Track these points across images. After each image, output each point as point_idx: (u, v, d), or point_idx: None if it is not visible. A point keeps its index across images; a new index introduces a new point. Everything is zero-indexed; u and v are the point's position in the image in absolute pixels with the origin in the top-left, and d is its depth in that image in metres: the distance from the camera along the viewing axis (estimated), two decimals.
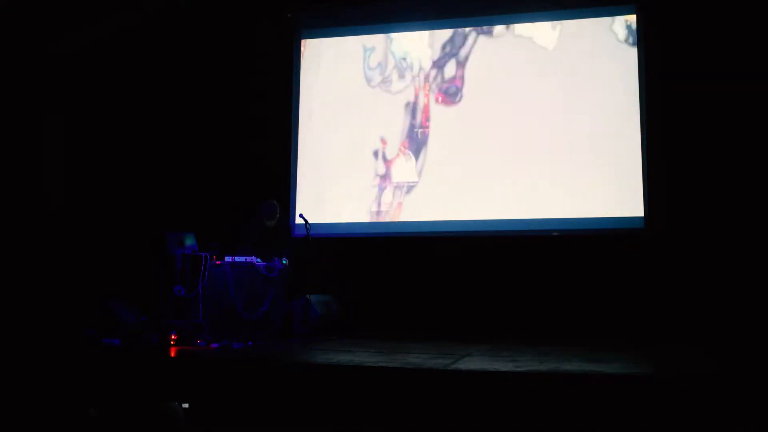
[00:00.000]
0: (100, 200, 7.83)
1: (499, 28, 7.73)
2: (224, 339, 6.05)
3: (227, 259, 6.42)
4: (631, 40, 7.29)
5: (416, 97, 7.88)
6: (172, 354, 5.44)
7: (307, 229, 6.88)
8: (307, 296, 6.72)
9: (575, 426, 3.92)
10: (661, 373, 4.37)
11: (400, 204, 7.80)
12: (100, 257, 7.51)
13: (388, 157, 7.89)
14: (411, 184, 7.77)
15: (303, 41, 8.33)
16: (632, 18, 7.32)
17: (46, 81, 7.53)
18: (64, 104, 7.73)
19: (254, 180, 7.80)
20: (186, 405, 3.70)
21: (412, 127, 7.85)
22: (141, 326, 6.37)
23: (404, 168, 7.83)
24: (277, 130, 8.15)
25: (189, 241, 6.54)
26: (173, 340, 5.98)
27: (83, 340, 5.99)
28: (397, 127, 7.89)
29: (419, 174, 7.76)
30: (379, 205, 7.85)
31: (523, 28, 7.65)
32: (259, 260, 6.43)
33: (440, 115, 7.79)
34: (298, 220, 7.12)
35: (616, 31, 7.36)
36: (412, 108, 7.87)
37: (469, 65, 7.77)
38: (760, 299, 6.37)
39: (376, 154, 7.92)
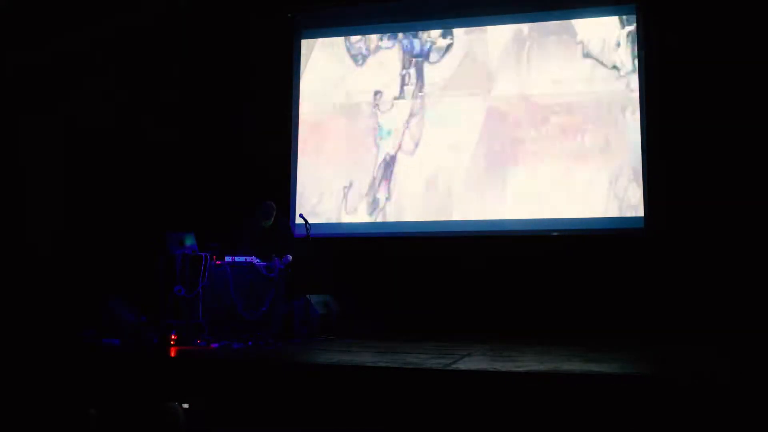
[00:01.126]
0: (100, 200, 7.82)
1: (497, 27, 7.74)
2: (224, 339, 6.04)
3: (227, 259, 6.42)
4: (632, 39, 7.30)
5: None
6: (172, 354, 5.44)
7: (307, 229, 6.87)
8: (307, 296, 6.72)
9: (575, 426, 3.92)
10: (661, 373, 4.37)
11: (398, 203, 7.80)
12: (100, 257, 7.50)
13: (387, 153, 7.90)
14: (409, 182, 7.78)
15: (303, 41, 8.33)
16: (633, 17, 7.33)
17: (46, 81, 7.52)
18: (63, 104, 7.72)
19: (254, 180, 7.80)
20: (186, 405, 3.70)
21: (409, 123, 7.87)
22: (141, 326, 6.36)
23: (401, 166, 7.84)
24: (277, 130, 8.15)
25: (189, 241, 6.53)
26: (173, 340, 5.97)
27: (83, 340, 5.99)
28: (394, 123, 7.90)
29: (417, 172, 7.77)
30: (378, 204, 7.86)
31: (522, 27, 7.65)
32: (259, 260, 6.43)
33: (439, 114, 7.79)
34: (298, 220, 7.13)
35: (618, 29, 7.36)
36: (407, 97, 7.90)
37: (465, 59, 7.79)
38: (760, 298, 6.36)
39: (374, 151, 7.94)
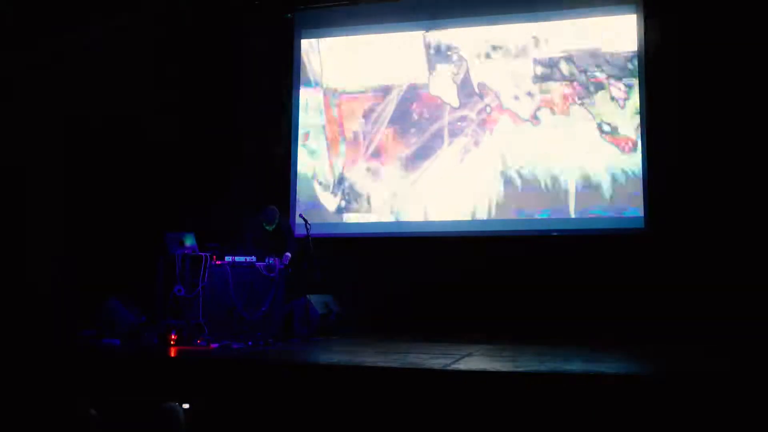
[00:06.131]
0: (100, 200, 7.82)
1: (497, 27, 7.74)
2: (224, 339, 6.04)
3: (227, 259, 6.42)
4: (632, 38, 7.30)
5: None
6: (172, 354, 5.44)
7: (307, 228, 6.87)
8: (307, 296, 6.72)
9: (575, 426, 3.92)
10: (661, 373, 4.37)
11: (399, 203, 7.81)
12: (100, 257, 7.50)
13: (385, 154, 7.90)
14: (410, 182, 7.79)
15: (302, 41, 8.34)
16: (633, 17, 7.33)
17: (45, 80, 7.52)
18: (63, 104, 7.72)
19: (254, 180, 7.79)
20: (186, 405, 3.70)
21: (409, 122, 7.87)
22: (141, 326, 6.37)
23: (401, 166, 7.85)
24: (277, 130, 8.15)
25: (189, 241, 6.53)
26: (173, 340, 5.97)
27: (83, 340, 5.99)
28: (394, 122, 7.91)
29: (418, 170, 7.78)
30: (379, 204, 7.86)
31: (521, 28, 7.66)
32: (262, 260, 6.43)
33: (439, 114, 7.80)
34: (298, 220, 7.13)
35: (618, 27, 7.36)
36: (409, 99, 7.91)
37: (465, 59, 7.79)
38: (760, 297, 6.37)
39: (374, 150, 7.95)
